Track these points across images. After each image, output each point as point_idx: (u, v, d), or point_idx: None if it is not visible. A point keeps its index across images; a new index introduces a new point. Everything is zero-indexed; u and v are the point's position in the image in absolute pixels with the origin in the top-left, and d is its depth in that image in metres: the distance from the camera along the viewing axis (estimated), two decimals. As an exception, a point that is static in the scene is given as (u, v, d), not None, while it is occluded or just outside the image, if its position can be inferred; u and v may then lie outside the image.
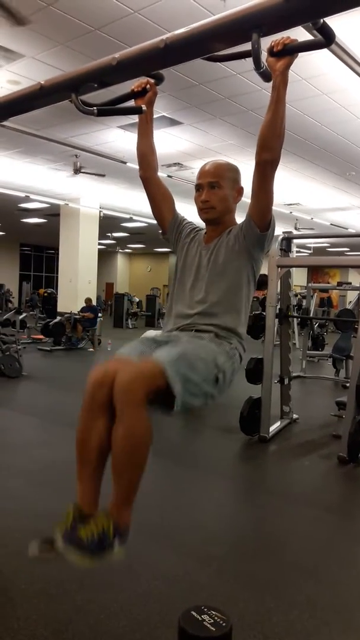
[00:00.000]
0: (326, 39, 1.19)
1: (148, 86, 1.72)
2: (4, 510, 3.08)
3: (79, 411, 1.54)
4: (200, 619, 1.50)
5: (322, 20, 1.15)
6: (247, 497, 3.70)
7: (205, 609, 1.53)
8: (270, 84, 1.44)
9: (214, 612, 1.52)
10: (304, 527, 3.17)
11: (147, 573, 2.46)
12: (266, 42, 1.26)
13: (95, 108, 1.52)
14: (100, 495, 1.55)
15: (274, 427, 4.95)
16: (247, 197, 1.71)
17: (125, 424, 1.41)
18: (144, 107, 1.73)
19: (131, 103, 1.76)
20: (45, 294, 16.73)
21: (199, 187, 1.79)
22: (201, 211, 1.80)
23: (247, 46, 1.21)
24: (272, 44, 1.37)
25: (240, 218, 1.79)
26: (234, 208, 1.83)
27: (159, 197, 1.90)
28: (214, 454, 4.53)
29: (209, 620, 1.49)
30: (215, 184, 1.76)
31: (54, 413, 5.54)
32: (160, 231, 1.96)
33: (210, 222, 1.81)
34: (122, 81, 1.47)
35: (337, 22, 1.16)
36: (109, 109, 1.69)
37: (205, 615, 1.51)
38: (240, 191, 1.81)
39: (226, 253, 1.75)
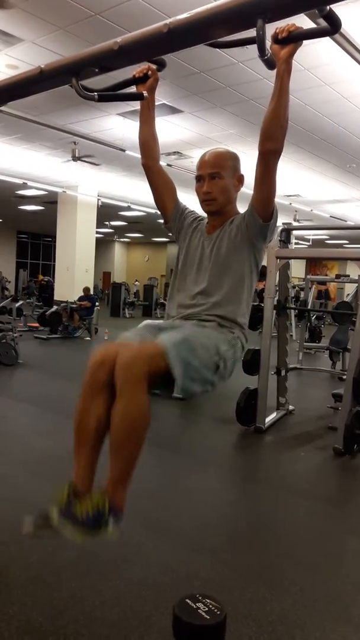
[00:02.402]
0: (332, 26, 1.17)
1: (149, 72, 1.69)
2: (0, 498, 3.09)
3: (79, 390, 1.54)
4: (195, 607, 1.50)
5: (328, 7, 1.13)
6: (243, 488, 3.72)
7: (200, 597, 1.54)
8: (273, 72, 1.42)
9: (208, 601, 1.53)
10: (298, 517, 3.19)
11: (142, 561, 2.47)
12: (270, 30, 1.24)
13: (95, 93, 1.49)
14: (95, 475, 1.55)
15: (270, 418, 4.96)
16: (247, 187, 1.70)
17: (125, 401, 1.41)
18: (145, 93, 1.71)
19: (132, 89, 1.73)
20: (43, 282, 16.67)
21: (199, 178, 1.77)
22: (203, 203, 1.79)
23: (251, 33, 1.19)
24: (277, 30, 1.35)
25: (241, 207, 1.78)
26: (235, 197, 1.82)
27: (161, 186, 1.89)
28: (210, 444, 4.55)
29: (204, 609, 1.50)
30: (216, 175, 1.74)
31: (49, 401, 5.54)
32: (162, 220, 1.94)
33: (213, 213, 1.80)
34: (124, 66, 1.44)
35: (341, 12, 1.14)
36: (110, 95, 1.67)
37: (200, 604, 1.52)
38: (240, 179, 1.80)
39: (229, 243, 1.74)
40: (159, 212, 1.94)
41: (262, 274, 4.80)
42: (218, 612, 1.48)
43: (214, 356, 1.59)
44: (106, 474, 1.48)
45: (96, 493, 1.46)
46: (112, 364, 1.45)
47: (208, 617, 1.46)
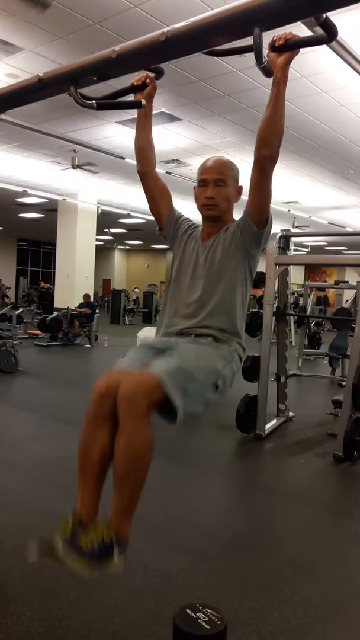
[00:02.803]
0: (328, 34, 1.18)
1: (148, 80, 1.70)
2: (-1, 506, 3.07)
3: (83, 421, 1.53)
4: (195, 616, 1.49)
5: (324, 15, 1.14)
6: (243, 495, 3.70)
7: (200, 607, 1.53)
8: (271, 80, 1.43)
9: (208, 610, 1.52)
10: (299, 525, 3.17)
11: (142, 570, 2.45)
12: (267, 38, 1.24)
13: (94, 101, 1.50)
14: (100, 504, 1.55)
15: (270, 425, 4.95)
16: (245, 194, 1.70)
17: (128, 435, 1.42)
18: (143, 101, 1.72)
19: (131, 97, 1.74)
20: (44, 289, 16.69)
21: (203, 182, 1.77)
22: (204, 207, 1.78)
23: (248, 41, 1.20)
24: (274, 38, 1.36)
25: (237, 214, 1.78)
26: (233, 207, 1.82)
27: (156, 193, 1.88)
28: (209, 451, 4.53)
29: (204, 618, 1.49)
30: (222, 182, 1.74)
31: (49, 408, 5.52)
32: (157, 227, 1.94)
33: (211, 219, 1.79)
34: (122, 74, 1.45)
35: (338, 19, 1.15)
36: (108, 103, 1.68)
37: (200, 613, 1.51)
38: (240, 190, 1.81)
39: (223, 251, 1.73)
40: (154, 218, 1.94)
41: (261, 281, 4.81)
42: (218, 622, 1.47)
43: (212, 376, 1.58)
44: (110, 504, 1.48)
45: (101, 524, 1.46)
46: (115, 395, 1.45)
47: (208, 627, 1.45)
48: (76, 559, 1.39)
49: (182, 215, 1.93)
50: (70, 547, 1.40)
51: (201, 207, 1.79)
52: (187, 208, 1.95)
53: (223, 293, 1.71)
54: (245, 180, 1.79)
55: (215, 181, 1.74)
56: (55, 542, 1.43)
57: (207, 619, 1.48)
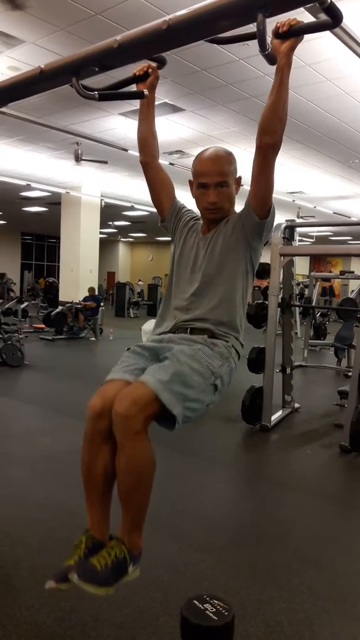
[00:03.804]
0: (333, 19, 1.16)
1: (150, 70, 1.68)
2: (6, 499, 3.09)
3: (82, 441, 1.53)
4: (202, 608, 1.50)
5: (329, 0, 1.12)
6: (249, 486, 3.71)
7: (208, 598, 1.54)
8: (275, 69, 1.40)
9: (216, 601, 1.52)
10: (305, 516, 3.18)
11: (149, 562, 2.45)
12: (270, 25, 1.22)
13: (96, 92, 1.48)
14: (109, 520, 1.57)
15: (275, 416, 4.95)
16: (246, 184, 1.66)
17: (127, 454, 1.41)
18: (145, 91, 1.69)
19: (133, 87, 1.72)
20: (47, 283, 16.70)
21: (203, 186, 1.68)
22: (206, 211, 1.72)
23: (251, 28, 1.18)
24: (278, 25, 1.33)
25: (239, 205, 1.74)
26: (234, 199, 1.77)
27: (158, 184, 1.85)
28: (215, 443, 4.53)
29: (211, 610, 1.49)
30: (223, 184, 1.67)
31: (55, 402, 5.54)
32: (160, 219, 1.92)
33: (217, 221, 1.73)
34: (124, 64, 1.43)
35: (343, 5, 1.13)
36: (110, 94, 1.66)
37: (207, 605, 1.51)
38: (239, 181, 1.74)
39: (223, 243, 1.69)
40: (156, 209, 1.91)
41: (266, 272, 4.79)
42: (226, 613, 1.48)
43: (209, 378, 1.54)
44: (120, 520, 1.50)
45: (114, 543, 1.48)
46: (110, 412, 1.43)
47: (216, 618, 1.46)
48: (91, 582, 1.40)
49: (184, 207, 1.90)
50: (84, 570, 1.42)
51: (204, 211, 1.73)
52: (190, 199, 1.92)
53: (222, 286, 1.67)
54: (248, 171, 1.74)
55: (216, 185, 1.66)
56: (69, 569, 1.44)
57: (214, 610, 1.49)
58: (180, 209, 1.88)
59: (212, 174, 1.66)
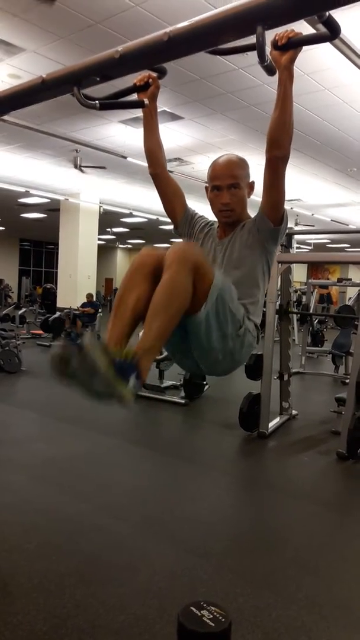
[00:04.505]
0: (331, 32, 1.18)
1: (150, 80, 1.71)
2: (3, 505, 3.08)
3: (125, 272, 1.55)
4: (199, 614, 1.50)
5: (327, 13, 1.14)
6: (246, 493, 3.70)
7: (205, 605, 1.53)
8: (273, 78, 1.42)
9: (213, 608, 1.52)
10: (303, 523, 3.18)
11: (146, 568, 2.46)
12: (269, 36, 1.24)
13: (97, 102, 1.50)
14: (127, 344, 1.52)
15: (273, 423, 4.95)
16: (256, 193, 1.71)
17: (171, 273, 1.42)
18: (146, 100, 1.72)
19: (134, 97, 1.74)
20: (45, 289, 16.68)
21: (217, 188, 1.76)
22: (220, 213, 1.78)
23: (251, 39, 1.20)
24: (276, 37, 1.36)
25: (252, 212, 1.78)
26: (247, 204, 1.82)
27: (169, 193, 1.89)
28: (213, 449, 4.53)
29: (208, 616, 1.49)
30: (235, 185, 1.74)
31: (53, 408, 5.53)
32: (173, 226, 1.95)
33: (230, 224, 1.80)
34: (125, 75, 1.45)
35: (341, 16, 1.15)
36: (111, 103, 1.67)
37: (204, 611, 1.51)
38: (252, 186, 1.81)
39: (240, 248, 1.74)
40: (160, 218, 1.96)
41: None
42: (223, 620, 1.48)
43: (241, 317, 1.62)
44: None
45: (127, 349, 1.45)
46: (161, 259, 1.47)
47: (213, 625, 1.46)
48: (101, 355, 1.32)
49: (197, 213, 1.95)
50: (97, 345, 1.36)
51: (218, 213, 1.80)
52: (192, 205, 1.96)
53: (242, 288, 1.72)
54: (254, 177, 1.79)
55: (228, 186, 1.74)
56: (85, 340, 1.37)
57: (211, 616, 1.49)
58: (194, 216, 1.93)
59: (225, 176, 1.75)
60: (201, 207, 1.86)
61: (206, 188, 1.82)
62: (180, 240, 1.68)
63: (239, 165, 1.77)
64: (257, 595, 2.30)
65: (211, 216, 1.91)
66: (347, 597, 2.37)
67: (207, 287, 1.49)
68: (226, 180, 1.74)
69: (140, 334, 1.47)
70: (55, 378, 1.35)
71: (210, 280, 1.49)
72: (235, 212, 1.76)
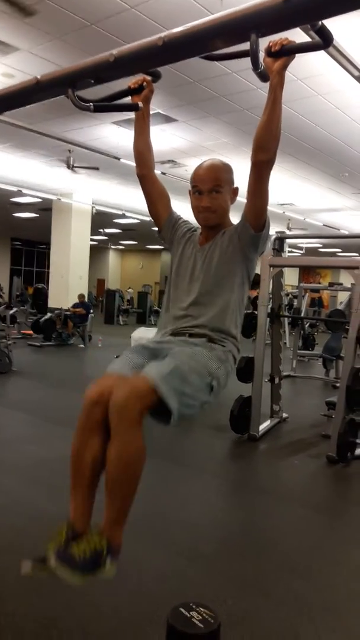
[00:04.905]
0: (324, 40, 1.19)
1: (145, 83, 1.71)
2: (-7, 506, 3.07)
3: (75, 429, 1.53)
4: (188, 615, 1.50)
5: (320, 22, 1.15)
6: (237, 496, 3.72)
7: (194, 606, 1.54)
8: (266, 84, 1.44)
9: (202, 609, 1.53)
10: (292, 526, 3.19)
11: (136, 570, 2.46)
12: (264, 43, 1.26)
13: (91, 104, 1.50)
14: (92, 513, 1.55)
15: (263, 426, 4.97)
16: (241, 196, 1.71)
17: (120, 442, 1.41)
18: (140, 104, 1.72)
19: (128, 100, 1.75)
20: (36, 289, 16.62)
21: (198, 192, 1.76)
22: (200, 215, 1.78)
23: (244, 46, 1.21)
24: (270, 44, 1.37)
25: (235, 217, 1.78)
26: (229, 210, 1.82)
27: (155, 195, 1.89)
28: (203, 452, 4.54)
29: (198, 617, 1.50)
30: (216, 189, 1.73)
31: (43, 409, 5.52)
32: (156, 229, 1.95)
33: (210, 227, 1.79)
34: (119, 78, 1.45)
35: (334, 24, 1.16)
36: (105, 106, 1.68)
37: (193, 612, 1.51)
38: (235, 192, 1.80)
39: (220, 254, 1.74)
40: (153, 220, 1.95)
41: (256, 282, 4.83)
42: (212, 621, 1.48)
43: (206, 378, 1.57)
44: (102, 514, 1.48)
45: (94, 533, 1.46)
46: (107, 403, 1.44)
47: (202, 626, 1.46)
48: (67, 569, 1.38)
49: (181, 218, 1.94)
50: (62, 557, 1.40)
51: (197, 215, 1.79)
52: (182, 208, 1.96)
53: (220, 295, 1.72)
54: (240, 182, 1.78)
55: (209, 190, 1.72)
56: (48, 554, 1.42)
57: (200, 617, 1.49)
58: (177, 220, 1.92)
59: (206, 180, 1.74)
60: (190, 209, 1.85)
61: (189, 192, 1.81)
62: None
63: (221, 170, 1.77)
64: (247, 597, 2.31)
65: (196, 222, 1.90)
66: (336, 600, 2.38)
67: (159, 397, 1.44)
68: (207, 184, 1.73)
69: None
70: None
71: (158, 393, 1.43)
72: (215, 214, 1.75)
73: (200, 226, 1.86)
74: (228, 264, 1.73)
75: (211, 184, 1.73)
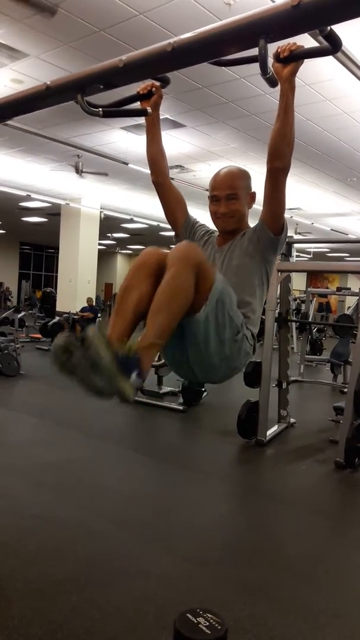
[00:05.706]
0: (333, 46, 1.20)
1: (153, 89, 1.72)
2: (1, 509, 3.08)
3: (127, 272, 1.55)
4: (195, 621, 1.50)
5: (329, 28, 1.16)
6: (244, 501, 3.70)
7: (201, 612, 1.54)
8: (275, 88, 1.44)
9: (209, 615, 1.52)
10: (300, 531, 3.17)
11: (142, 575, 2.46)
12: (272, 48, 1.26)
13: (100, 109, 1.52)
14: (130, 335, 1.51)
15: (271, 431, 4.95)
16: (257, 202, 1.72)
17: (174, 271, 1.42)
18: (149, 109, 1.73)
19: (136, 105, 1.76)
20: (44, 293, 16.70)
21: (216, 199, 1.78)
22: (218, 221, 1.80)
23: (253, 51, 1.22)
24: (279, 49, 1.37)
25: (252, 222, 1.80)
26: (247, 214, 1.83)
27: (172, 202, 1.91)
28: (211, 457, 4.53)
29: (205, 623, 1.49)
30: (233, 196, 1.75)
31: (51, 412, 5.53)
32: (174, 234, 1.96)
33: (228, 232, 1.81)
34: (128, 83, 1.47)
35: (342, 29, 1.16)
36: (114, 111, 1.69)
37: (200, 618, 1.51)
38: (253, 197, 1.82)
39: (240, 255, 1.75)
40: (161, 225, 1.97)
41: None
42: (219, 627, 1.48)
43: (238, 318, 1.61)
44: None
45: (129, 343, 1.42)
46: (164, 258, 1.47)
47: (209, 632, 1.46)
48: (101, 346, 1.29)
49: (198, 222, 1.96)
50: (100, 337, 1.31)
51: (216, 222, 1.82)
52: (193, 213, 1.97)
53: (241, 295, 1.71)
54: (256, 186, 1.81)
55: (226, 196, 1.75)
56: (86, 333, 1.32)
57: (207, 623, 1.49)
58: (194, 224, 1.94)
59: (223, 187, 1.77)
60: (202, 215, 1.87)
61: (209, 198, 1.84)
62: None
63: (238, 177, 1.79)
64: (254, 603, 2.29)
65: (212, 224, 1.92)
66: (343, 606, 2.37)
67: (208, 289, 1.49)
68: (224, 191, 1.76)
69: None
70: (56, 370, 1.33)
71: (211, 282, 1.50)
72: (233, 218, 1.78)
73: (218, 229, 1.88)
74: (248, 264, 1.74)
75: (228, 191, 1.75)
